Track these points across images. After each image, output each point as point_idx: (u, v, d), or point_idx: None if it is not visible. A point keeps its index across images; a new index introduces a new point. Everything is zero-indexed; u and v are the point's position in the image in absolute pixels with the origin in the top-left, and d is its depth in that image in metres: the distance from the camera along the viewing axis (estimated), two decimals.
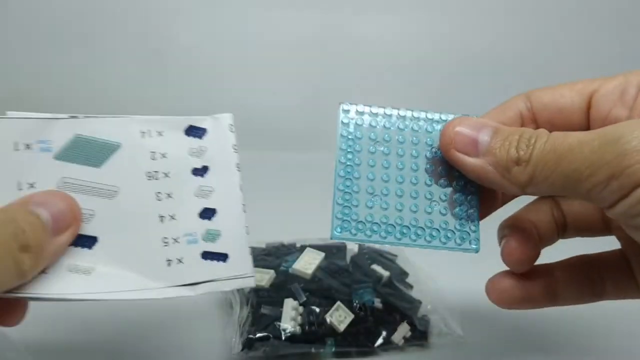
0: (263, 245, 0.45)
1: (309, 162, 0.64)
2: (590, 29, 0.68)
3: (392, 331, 0.37)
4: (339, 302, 0.37)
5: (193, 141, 0.30)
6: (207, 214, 0.29)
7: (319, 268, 0.40)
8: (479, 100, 0.70)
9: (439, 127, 0.30)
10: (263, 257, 0.43)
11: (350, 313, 0.37)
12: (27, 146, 0.27)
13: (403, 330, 0.38)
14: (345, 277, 0.40)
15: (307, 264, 0.40)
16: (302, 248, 0.43)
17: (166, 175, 0.29)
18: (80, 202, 0.26)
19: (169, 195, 0.29)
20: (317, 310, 0.37)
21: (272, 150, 0.65)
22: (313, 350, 0.37)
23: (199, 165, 0.30)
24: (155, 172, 0.29)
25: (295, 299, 0.38)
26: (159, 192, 0.28)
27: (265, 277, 0.39)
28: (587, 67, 0.69)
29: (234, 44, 0.66)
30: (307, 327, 0.37)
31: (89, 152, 0.28)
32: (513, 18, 0.67)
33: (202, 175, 0.29)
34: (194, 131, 0.30)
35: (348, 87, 0.67)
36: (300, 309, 0.38)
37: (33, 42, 0.65)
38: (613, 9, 0.68)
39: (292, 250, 0.43)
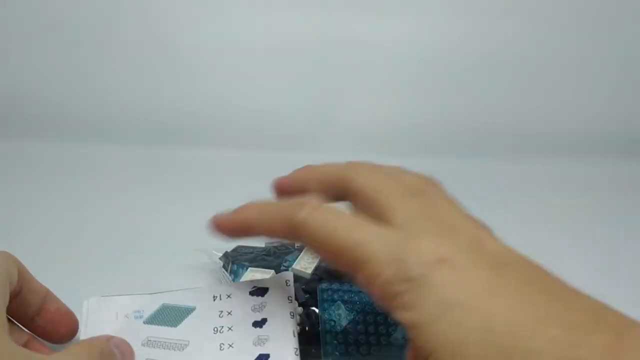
0: (263, 245, 0.45)
1: (309, 162, 0.64)
2: (591, 32, 0.68)
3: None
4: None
5: (256, 299, 0.35)
6: (261, 358, 0.33)
7: (319, 267, 0.40)
8: (479, 102, 0.70)
9: None
10: (263, 257, 0.43)
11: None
12: (126, 316, 0.34)
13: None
14: (345, 276, 0.40)
15: (307, 263, 0.40)
16: (302, 247, 0.43)
17: (230, 329, 0.34)
18: (157, 354, 0.33)
19: (230, 346, 0.33)
20: (317, 310, 0.37)
21: (271, 150, 0.65)
22: (313, 350, 0.37)
23: (259, 319, 0.35)
24: (221, 327, 0.34)
25: (295, 298, 0.38)
26: (222, 343, 0.33)
27: (266, 277, 0.39)
28: (583, 69, 0.69)
29: (234, 45, 0.66)
30: (307, 327, 0.37)
31: (170, 316, 0.35)
32: (513, 20, 0.67)
33: (260, 327, 0.34)
34: (258, 291, 0.35)
35: (347, 88, 0.67)
36: (300, 309, 0.38)
37: (32, 42, 0.65)
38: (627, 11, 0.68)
39: (292, 250, 0.43)
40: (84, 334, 0.33)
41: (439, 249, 0.24)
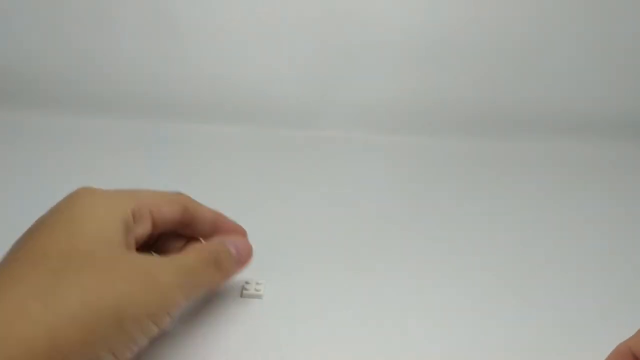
0: None
1: (311, 139, 0.64)
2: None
3: None
4: None
5: None
6: None
7: None
8: (486, 81, 0.69)
9: None
10: None
11: None
12: None
13: None
14: None
15: None
16: None
17: None
18: None
19: None
20: None
21: (272, 126, 0.64)
22: None
23: None
24: None
25: None
26: None
27: None
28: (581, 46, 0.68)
29: (235, 18, 0.65)
30: None
31: None
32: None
33: None
34: None
35: (351, 64, 0.66)
36: None
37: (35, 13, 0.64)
38: None
39: None
40: None
41: None
